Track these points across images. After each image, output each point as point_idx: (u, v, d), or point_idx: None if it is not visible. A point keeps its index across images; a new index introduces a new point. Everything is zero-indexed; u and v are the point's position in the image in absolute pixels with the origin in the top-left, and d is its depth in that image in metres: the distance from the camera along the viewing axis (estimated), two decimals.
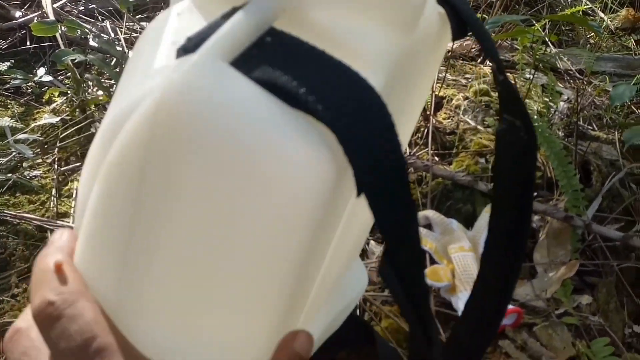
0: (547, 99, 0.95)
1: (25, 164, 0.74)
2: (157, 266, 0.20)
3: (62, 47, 0.91)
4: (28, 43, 1.05)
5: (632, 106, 1.22)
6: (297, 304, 0.23)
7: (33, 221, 0.64)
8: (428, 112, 0.82)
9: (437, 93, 0.93)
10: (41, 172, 0.73)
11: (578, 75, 1.26)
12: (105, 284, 0.21)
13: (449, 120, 0.92)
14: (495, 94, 0.98)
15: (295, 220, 0.18)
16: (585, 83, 1.21)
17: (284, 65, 0.17)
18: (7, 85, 0.94)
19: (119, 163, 0.19)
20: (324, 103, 0.16)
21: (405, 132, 0.31)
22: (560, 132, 0.93)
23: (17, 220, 0.63)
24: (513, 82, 1.00)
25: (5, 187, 0.69)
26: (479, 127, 0.86)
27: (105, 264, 0.21)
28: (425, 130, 0.81)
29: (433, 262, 0.64)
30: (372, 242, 0.67)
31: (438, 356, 0.19)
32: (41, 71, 0.95)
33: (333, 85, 0.17)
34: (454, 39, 0.28)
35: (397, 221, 0.18)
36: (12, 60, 1.01)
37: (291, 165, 0.17)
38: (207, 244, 0.19)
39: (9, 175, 0.70)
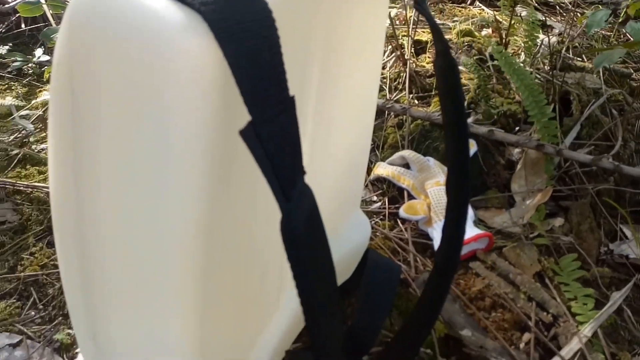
0: (533, 33, 0.95)
1: (32, 139, 0.80)
2: None
3: (54, 25, 0.95)
4: (23, 26, 1.09)
5: (628, 34, 1.19)
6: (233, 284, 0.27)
7: (44, 189, 0.70)
8: (407, 57, 0.84)
9: (419, 38, 0.93)
10: (47, 144, 0.79)
11: (571, 7, 1.23)
12: None
13: (432, 63, 0.93)
14: (478, 34, 0.98)
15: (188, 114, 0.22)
16: (575, 14, 1.19)
17: None
18: (9, 68, 0.99)
19: (55, 74, 0.24)
20: None
21: (347, 61, 0.33)
22: (546, 66, 0.93)
23: (30, 189, 0.70)
24: (501, 19, 1.00)
25: (16, 161, 0.75)
26: (460, 67, 0.88)
27: None
28: (405, 75, 0.83)
29: (411, 198, 0.67)
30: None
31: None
32: (39, 52, 1.00)
33: None
34: None
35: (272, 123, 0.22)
36: (11, 44, 1.06)
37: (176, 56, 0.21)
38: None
39: (18, 150, 0.76)
